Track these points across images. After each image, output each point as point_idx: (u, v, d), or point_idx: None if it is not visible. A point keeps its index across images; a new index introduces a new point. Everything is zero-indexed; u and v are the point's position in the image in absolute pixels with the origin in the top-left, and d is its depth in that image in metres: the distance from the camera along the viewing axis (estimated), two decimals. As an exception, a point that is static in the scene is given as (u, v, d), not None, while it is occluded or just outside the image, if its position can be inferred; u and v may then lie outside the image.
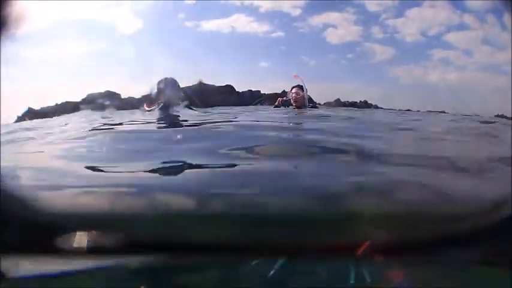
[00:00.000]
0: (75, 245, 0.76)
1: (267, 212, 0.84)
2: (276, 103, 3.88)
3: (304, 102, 3.74)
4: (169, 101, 3.34)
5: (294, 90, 3.79)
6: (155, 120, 3.03)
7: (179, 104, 3.42)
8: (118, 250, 0.77)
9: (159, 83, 3.39)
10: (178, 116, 3.27)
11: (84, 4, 3.13)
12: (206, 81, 4.27)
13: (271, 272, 0.76)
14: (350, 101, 4.55)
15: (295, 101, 3.75)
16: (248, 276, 0.79)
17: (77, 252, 0.77)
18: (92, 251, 0.76)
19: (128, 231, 0.81)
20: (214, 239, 0.77)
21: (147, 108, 3.48)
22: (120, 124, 2.79)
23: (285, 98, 3.84)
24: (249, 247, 0.78)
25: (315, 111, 3.67)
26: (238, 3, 4.33)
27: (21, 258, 0.77)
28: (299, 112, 3.58)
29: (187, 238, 0.78)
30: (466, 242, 0.73)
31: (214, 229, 0.80)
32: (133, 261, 0.79)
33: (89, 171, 1.19)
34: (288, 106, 3.81)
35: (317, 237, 0.79)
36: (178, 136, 1.95)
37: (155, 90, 3.42)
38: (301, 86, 3.75)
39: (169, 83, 3.38)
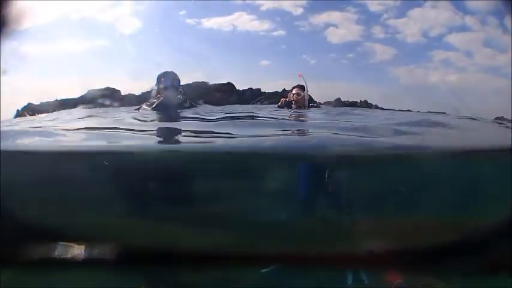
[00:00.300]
0: (75, 256, 0.76)
1: (267, 221, 0.84)
2: (280, 103, 3.87)
3: (304, 103, 3.73)
4: (169, 96, 3.31)
5: (294, 91, 3.78)
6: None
7: (179, 101, 3.39)
8: (116, 261, 0.76)
9: (159, 77, 3.37)
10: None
11: (85, 2, 3.13)
12: (206, 79, 4.27)
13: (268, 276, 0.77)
14: (350, 100, 4.55)
15: (296, 102, 3.75)
16: (246, 281, 0.79)
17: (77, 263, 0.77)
18: (94, 262, 0.76)
19: (127, 241, 0.80)
20: (217, 247, 0.77)
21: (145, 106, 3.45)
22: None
23: (287, 99, 3.83)
24: (249, 256, 0.77)
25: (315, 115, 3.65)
26: (239, 1, 4.32)
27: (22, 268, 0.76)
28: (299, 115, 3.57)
29: (188, 247, 0.78)
30: (466, 250, 0.73)
31: (217, 237, 0.80)
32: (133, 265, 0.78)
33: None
34: (290, 107, 3.80)
35: (318, 246, 0.78)
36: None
37: (155, 87, 3.41)
38: (303, 86, 3.75)
39: (169, 77, 3.36)
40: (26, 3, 1.63)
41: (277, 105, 3.88)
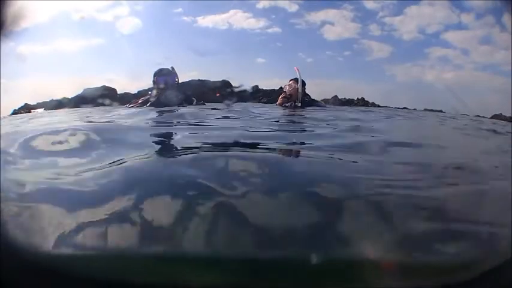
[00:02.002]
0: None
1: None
2: (279, 102, 3.76)
3: (297, 96, 3.62)
4: (165, 91, 3.24)
5: (289, 83, 3.70)
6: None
7: (176, 96, 3.32)
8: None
9: (155, 73, 3.33)
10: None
11: (83, 2, 3.10)
12: (203, 77, 4.25)
13: None
14: (347, 98, 4.56)
15: (289, 94, 3.68)
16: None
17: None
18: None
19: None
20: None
21: (132, 105, 3.38)
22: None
23: (284, 90, 3.73)
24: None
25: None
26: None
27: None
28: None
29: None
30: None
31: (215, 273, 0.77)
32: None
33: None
34: (289, 101, 3.69)
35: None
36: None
37: (153, 85, 3.36)
38: (297, 78, 3.65)
39: (167, 73, 3.31)
40: (24, 3, 1.60)
41: (276, 104, 3.83)
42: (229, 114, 2.79)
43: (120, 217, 1.02)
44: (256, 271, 0.81)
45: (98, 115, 2.91)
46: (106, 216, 1.03)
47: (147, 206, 1.04)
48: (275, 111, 3.28)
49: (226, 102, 3.67)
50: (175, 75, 3.36)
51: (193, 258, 0.84)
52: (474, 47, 3.69)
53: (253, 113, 2.90)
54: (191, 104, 3.38)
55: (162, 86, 3.23)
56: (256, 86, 4.64)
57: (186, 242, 0.89)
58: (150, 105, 3.23)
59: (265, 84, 4.55)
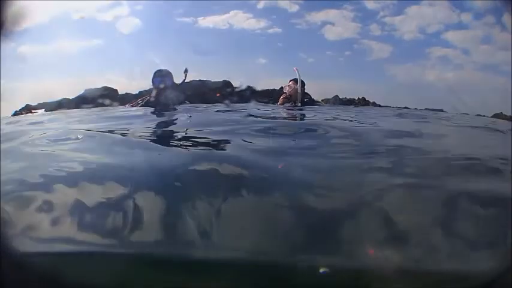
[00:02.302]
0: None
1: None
2: (280, 102, 3.78)
3: (296, 96, 3.64)
4: (161, 93, 3.26)
5: (289, 83, 3.72)
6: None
7: (173, 97, 3.34)
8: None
9: (154, 75, 3.35)
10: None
11: (83, 2, 3.11)
12: (203, 78, 4.25)
13: None
14: (348, 98, 4.55)
15: (289, 94, 3.70)
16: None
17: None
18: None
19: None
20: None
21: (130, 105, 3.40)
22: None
23: (284, 91, 3.74)
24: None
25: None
26: (235, 0, 4.32)
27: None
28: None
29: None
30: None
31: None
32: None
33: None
34: (289, 102, 3.71)
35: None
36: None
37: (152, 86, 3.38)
38: (297, 79, 3.67)
39: (163, 74, 3.33)
40: (24, 3, 1.61)
41: (277, 104, 3.83)
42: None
43: (118, 219, 1.02)
44: (255, 277, 0.81)
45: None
46: (105, 219, 1.03)
47: (147, 211, 1.04)
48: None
49: (227, 102, 3.68)
50: (184, 75, 3.38)
51: (191, 262, 0.84)
52: (474, 47, 3.68)
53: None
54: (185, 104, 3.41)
55: (158, 86, 3.26)
56: (257, 86, 4.62)
57: (183, 245, 0.89)
58: (142, 106, 3.26)
59: (266, 84, 4.54)
